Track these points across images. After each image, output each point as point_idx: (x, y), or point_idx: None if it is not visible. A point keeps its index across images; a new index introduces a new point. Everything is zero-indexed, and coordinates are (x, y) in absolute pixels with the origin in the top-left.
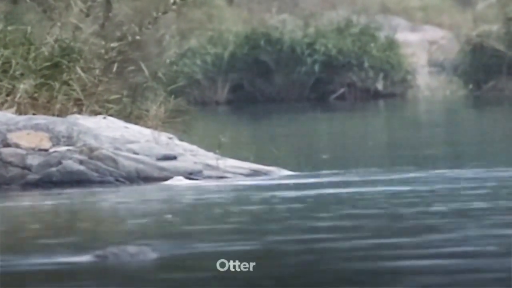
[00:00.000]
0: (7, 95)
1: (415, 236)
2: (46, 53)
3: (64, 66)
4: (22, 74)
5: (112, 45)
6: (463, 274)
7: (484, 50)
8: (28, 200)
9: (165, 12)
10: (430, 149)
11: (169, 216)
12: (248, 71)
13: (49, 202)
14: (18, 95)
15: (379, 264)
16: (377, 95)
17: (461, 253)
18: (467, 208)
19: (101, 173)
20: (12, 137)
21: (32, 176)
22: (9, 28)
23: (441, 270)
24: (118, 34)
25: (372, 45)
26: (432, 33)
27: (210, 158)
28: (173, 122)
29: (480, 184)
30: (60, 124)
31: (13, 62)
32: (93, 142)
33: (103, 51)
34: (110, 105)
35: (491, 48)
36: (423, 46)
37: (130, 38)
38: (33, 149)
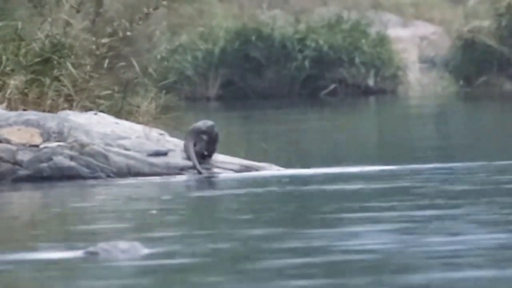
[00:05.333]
0: None
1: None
2: (37, 49)
3: (54, 62)
4: (12, 70)
5: (103, 41)
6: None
7: (475, 45)
8: (18, 196)
9: (156, 8)
10: (420, 145)
11: (154, 211)
12: (238, 67)
13: (39, 198)
14: (9, 91)
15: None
16: (368, 91)
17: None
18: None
19: (92, 169)
20: (3, 133)
21: (22, 172)
22: (0, 24)
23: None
24: (109, 30)
25: (363, 41)
26: (423, 28)
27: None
28: (164, 118)
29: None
30: (51, 120)
31: (4, 58)
32: (84, 138)
33: (94, 47)
34: (101, 101)
35: (482, 44)
36: (414, 42)
37: (121, 34)
38: (23, 145)
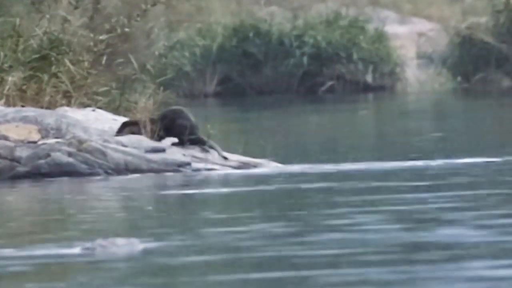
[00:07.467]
0: None
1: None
2: (35, 46)
3: (53, 59)
4: (10, 67)
5: (101, 37)
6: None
7: (473, 42)
8: (16, 192)
9: (154, 4)
10: (418, 142)
11: (150, 208)
12: (236, 63)
13: (37, 194)
14: (7, 88)
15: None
16: (366, 87)
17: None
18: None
19: (89, 165)
20: (1, 130)
21: (21, 168)
22: None
23: None
24: (107, 26)
25: (361, 37)
26: (421, 25)
27: (198, 150)
28: None
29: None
30: (49, 117)
31: (2, 54)
32: (82, 135)
33: (92, 43)
34: (99, 98)
35: (479, 41)
36: (411, 39)
37: (119, 30)
38: (22, 141)
